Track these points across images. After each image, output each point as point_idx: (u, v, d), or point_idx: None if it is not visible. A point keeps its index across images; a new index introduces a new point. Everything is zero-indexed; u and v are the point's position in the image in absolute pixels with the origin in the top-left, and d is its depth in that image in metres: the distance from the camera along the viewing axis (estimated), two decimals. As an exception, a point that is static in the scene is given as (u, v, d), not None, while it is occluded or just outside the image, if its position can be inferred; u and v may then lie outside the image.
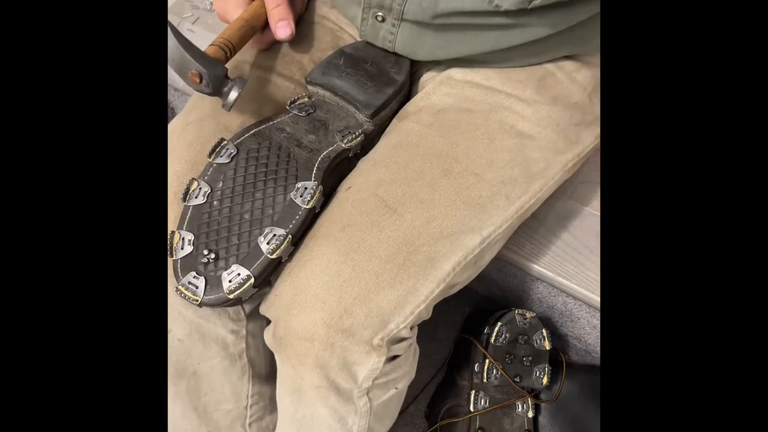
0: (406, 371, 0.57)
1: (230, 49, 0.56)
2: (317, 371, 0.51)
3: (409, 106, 0.62)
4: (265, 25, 0.61)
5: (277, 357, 0.56)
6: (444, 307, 0.96)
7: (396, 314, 0.51)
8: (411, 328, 0.53)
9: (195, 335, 0.60)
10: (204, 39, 0.93)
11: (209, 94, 0.54)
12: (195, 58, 0.52)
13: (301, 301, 0.51)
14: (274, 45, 0.65)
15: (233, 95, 0.53)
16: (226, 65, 0.55)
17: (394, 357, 0.53)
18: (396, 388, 0.56)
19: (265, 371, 0.66)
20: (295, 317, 0.51)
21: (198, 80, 0.52)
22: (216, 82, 0.53)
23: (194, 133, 0.59)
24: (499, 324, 0.79)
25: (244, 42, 0.58)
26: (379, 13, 0.58)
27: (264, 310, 0.56)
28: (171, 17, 0.95)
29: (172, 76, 0.90)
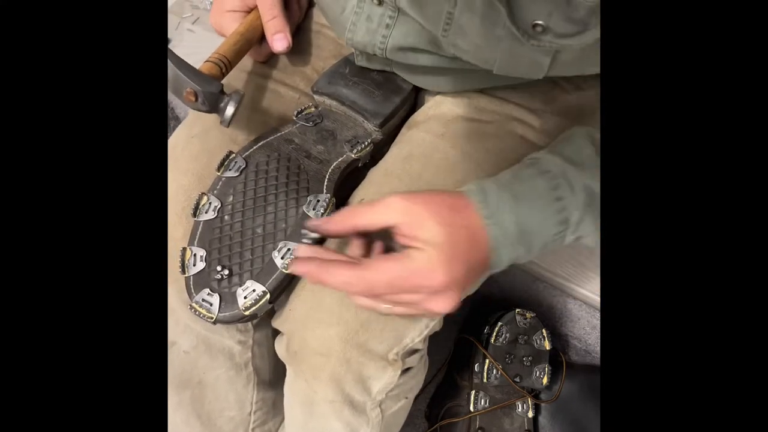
0: (417, 381, 0.57)
1: (226, 64, 0.55)
2: (332, 386, 0.51)
3: (419, 115, 0.62)
4: (262, 38, 0.60)
5: (289, 369, 0.56)
6: (444, 307, 0.96)
7: (411, 328, 0.51)
8: (423, 340, 0.53)
9: (201, 347, 0.61)
10: (204, 39, 0.92)
11: (206, 112, 0.53)
12: (189, 76, 0.51)
13: (317, 316, 0.51)
14: (274, 55, 0.65)
15: (230, 111, 0.52)
16: (224, 80, 0.54)
17: (408, 369, 0.54)
18: (406, 398, 0.57)
19: (269, 377, 0.66)
20: (310, 332, 0.51)
21: (194, 98, 0.52)
22: (212, 99, 0.52)
23: (200, 146, 0.58)
24: (499, 324, 0.80)
25: (240, 56, 0.58)
26: (366, 52, 0.57)
27: (278, 324, 0.55)
28: (171, 17, 0.95)
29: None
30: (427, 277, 0.42)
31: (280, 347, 0.55)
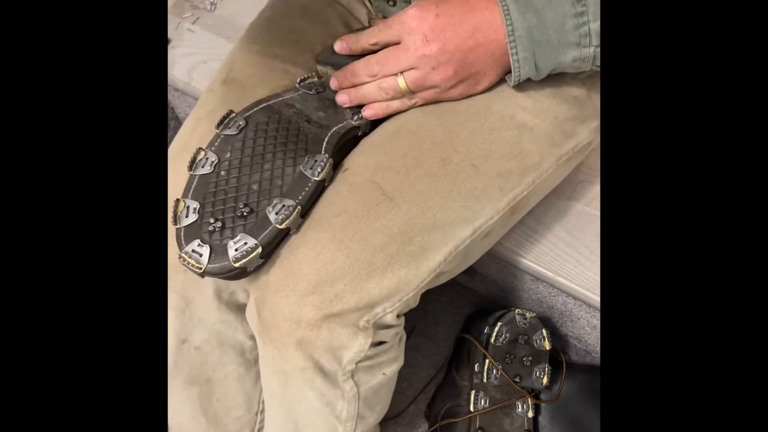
0: (392, 357, 0.56)
1: None
2: (301, 352, 0.51)
3: None
4: None
5: (259, 339, 0.55)
6: (444, 307, 0.96)
7: (385, 299, 0.51)
8: (398, 316, 0.53)
9: (213, 341, 0.60)
10: (204, 39, 0.93)
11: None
12: None
13: (292, 284, 0.50)
14: (286, 35, 0.65)
15: None
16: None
17: (381, 343, 0.53)
18: (384, 374, 0.56)
19: None
20: (283, 299, 0.50)
21: None
22: None
23: (207, 127, 0.58)
24: (499, 324, 0.79)
25: None
26: None
27: (251, 288, 0.55)
28: (171, 17, 0.95)
29: (172, 77, 0.90)
30: (402, 15, 0.53)
31: (252, 315, 0.55)
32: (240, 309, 0.61)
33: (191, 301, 0.58)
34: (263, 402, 0.65)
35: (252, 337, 0.62)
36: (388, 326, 0.53)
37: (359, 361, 0.52)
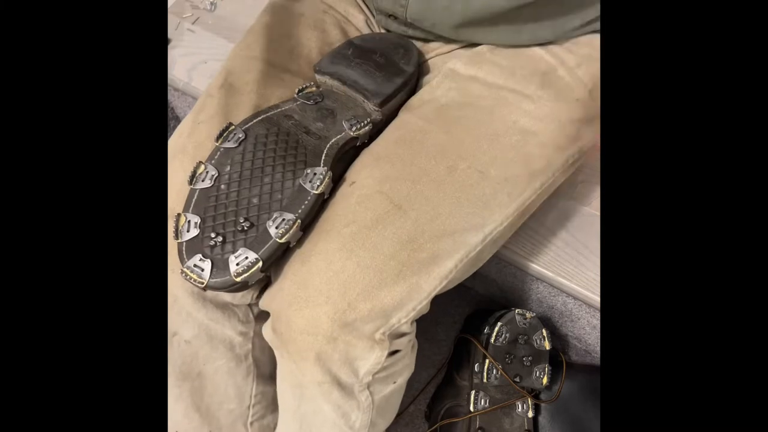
0: (405, 365, 0.57)
1: None
2: (319, 366, 0.51)
3: (414, 100, 0.62)
4: None
5: (276, 353, 0.56)
6: (444, 307, 0.96)
7: (398, 310, 0.51)
8: (411, 323, 0.53)
9: (203, 337, 0.60)
10: (204, 39, 0.92)
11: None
12: None
13: (305, 296, 0.51)
14: (280, 41, 0.65)
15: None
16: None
17: (395, 352, 0.54)
18: (395, 383, 0.56)
19: (268, 371, 0.66)
20: (297, 312, 0.51)
21: None
22: None
23: (205, 132, 0.59)
24: (499, 324, 0.79)
25: None
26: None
27: (264, 304, 0.55)
28: (171, 17, 0.95)
29: (172, 77, 0.90)
30: None
31: (267, 330, 0.55)
32: (225, 307, 0.61)
33: (177, 298, 0.58)
34: (255, 396, 0.66)
35: (241, 333, 0.62)
36: (403, 334, 0.53)
37: (376, 373, 0.52)
